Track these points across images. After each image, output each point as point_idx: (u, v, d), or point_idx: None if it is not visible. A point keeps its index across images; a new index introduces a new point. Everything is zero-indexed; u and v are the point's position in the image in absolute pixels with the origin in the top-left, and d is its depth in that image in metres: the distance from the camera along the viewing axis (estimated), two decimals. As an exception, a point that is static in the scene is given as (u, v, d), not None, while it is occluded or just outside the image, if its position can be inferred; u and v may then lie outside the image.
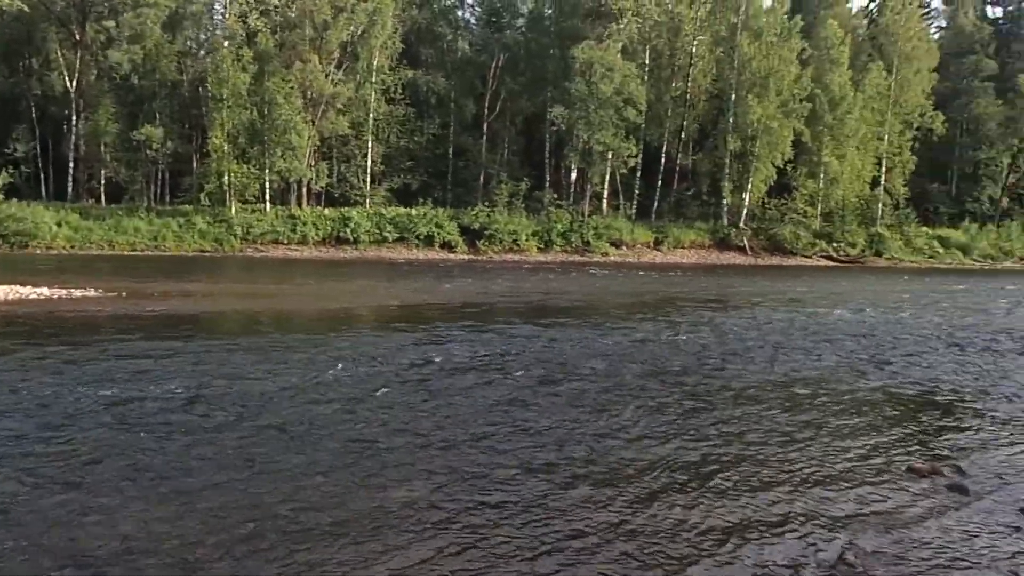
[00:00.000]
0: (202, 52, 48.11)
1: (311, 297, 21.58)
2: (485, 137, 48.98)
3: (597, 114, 43.59)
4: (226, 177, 39.00)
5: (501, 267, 35.30)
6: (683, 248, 46.69)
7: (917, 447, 7.61)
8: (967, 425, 8.61)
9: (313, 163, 42.52)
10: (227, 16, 43.19)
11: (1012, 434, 8.23)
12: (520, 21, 52.56)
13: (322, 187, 43.31)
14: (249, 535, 5.00)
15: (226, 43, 40.38)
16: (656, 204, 49.32)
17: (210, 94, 40.00)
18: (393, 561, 4.73)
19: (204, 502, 5.49)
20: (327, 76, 41.61)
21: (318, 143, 42.56)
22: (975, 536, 5.38)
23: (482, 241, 41.77)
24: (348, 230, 39.81)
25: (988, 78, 60.25)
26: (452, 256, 40.35)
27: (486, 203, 44.47)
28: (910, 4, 56.48)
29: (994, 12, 67.35)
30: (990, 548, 5.19)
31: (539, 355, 11.95)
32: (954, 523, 5.60)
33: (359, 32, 42.65)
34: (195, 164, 44.55)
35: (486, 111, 48.83)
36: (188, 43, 48.44)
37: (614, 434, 7.62)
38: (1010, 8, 66.71)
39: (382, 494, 5.78)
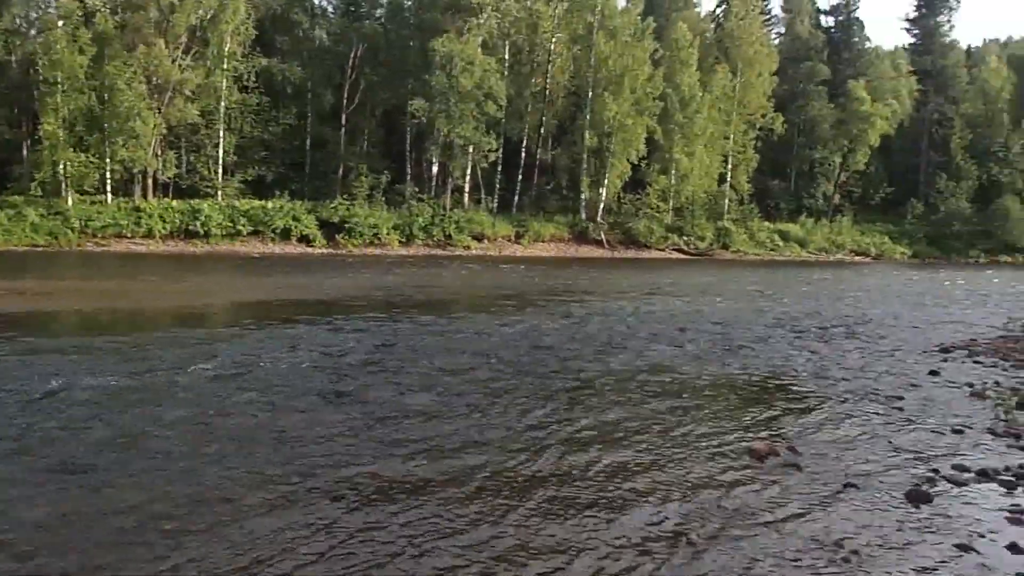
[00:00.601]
0: (32, 31, 44.67)
1: (156, 294, 20.56)
2: (344, 128, 48.02)
3: (458, 108, 43.61)
4: (61, 166, 36.49)
5: (362, 261, 34.77)
6: (543, 242, 47.44)
7: (756, 429, 8.05)
8: (801, 406, 9.19)
9: (160, 152, 40.42)
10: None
11: (840, 413, 8.84)
12: (379, 11, 51.82)
13: (169, 178, 41.22)
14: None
15: (60, 23, 37.67)
16: (517, 198, 49.90)
17: (41, 77, 37.24)
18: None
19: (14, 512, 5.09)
20: (174, 61, 39.69)
21: (165, 131, 40.46)
22: (807, 511, 5.73)
23: (342, 235, 40.98)
24: (198, 223, 38.07)
25: (822, 83, 64.40)
26: (310, 250, 39.38)
27: (345, 196, 43.66)
28: (752, 11, 59.61)
29: (827, 21, 71.98)
30: (820, 521, 5.55)
31: (394, 350, 11.87)
32: (788, 499, 5.95)
33: (209, 16, 40.88)
34: (25, 152, 41.32)
35: (345, 102, 47.88)
36: (17, 21, 44.84)
37: (467, 424, 7.67)
38: (841, 18, 71.39)
39: (225, 502, 5.54)
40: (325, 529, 5.07)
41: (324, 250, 39.71)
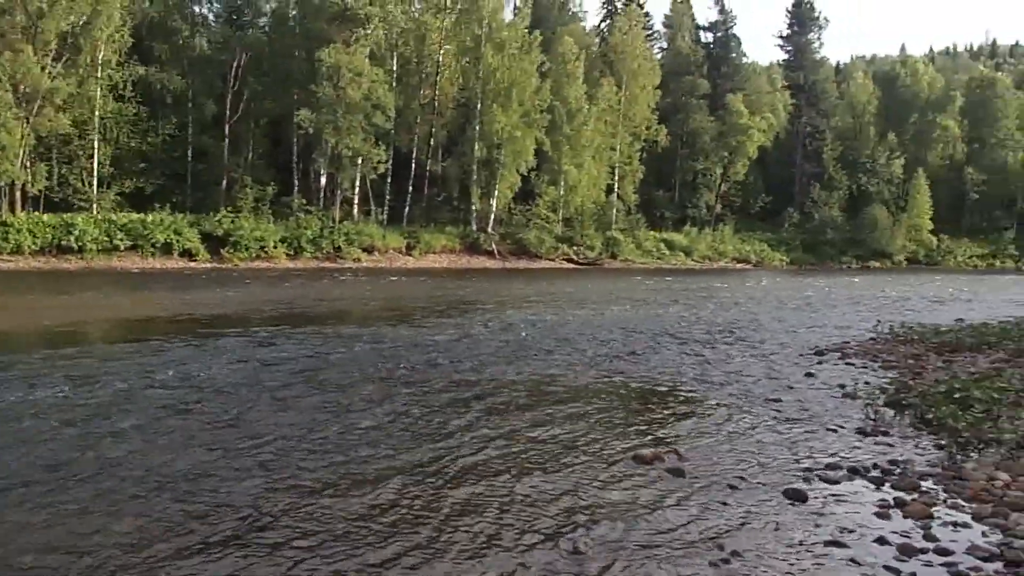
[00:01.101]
0: None
1: (24, 312, 19.40)
2: (227, 139, 46.65)
3: (345, 119, 43.07)
4: (-82, 179, 34.14)
5: (247, 275, 33.86)
6: (434, 253, 47.31)
7: (642, 435, 8.23)
8: (686, 411, 9.48)
9: (28, 164, 38.28)
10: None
11: (722, 417, 9.15)
12: (263, 20, 50.66)
13: (39, 191, 39.06)
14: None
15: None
16: (407, 209, 49.62)
17: None
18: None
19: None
20: (43, 69, 37.64)
21: (34, 142, 38.33)
22: (690, 514, 5.89)
23: (226, 248, 39.75)
24: (72, 238, 36.14)
25: (703, 96, 66.79)
26: (193, 265, 38.04)
27: (230, 208, 42.38)
28: (635, 26, 61.29)
29: (706, 37, 74.67)
30: (702, 524, 5.71)
31: (279, 366, 11.58)
32: (673, 504, 6.10)
33: (81, 22, 38.99)
34: None
35: (228, 112, 46.51)
36: None
37: (356, 438, 7.57)
38: (719, 34, 74.24)
39: (93, 532, 5.30)
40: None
41: (208, 264, 38.43)
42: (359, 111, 43.48)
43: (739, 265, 60.21)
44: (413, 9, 51.18)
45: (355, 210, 47.58)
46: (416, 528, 5.44)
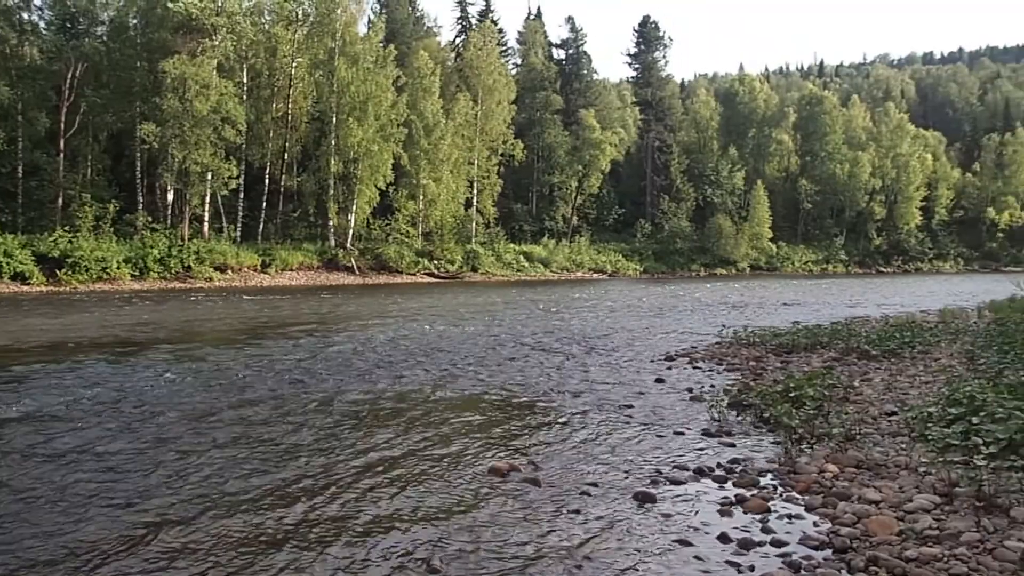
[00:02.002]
0: None
1: None
2: (63, 154, 43.90)
3: (193, 133, 41.45)
4: None
5: (88, 299, 31.94)
6: (292, 270, 46.15)
7: (499, 447, 8.38)
8: (542, 421, 9.71)
9: None
10: None
11: (577, 425, 9.45)
12: (101, 29, 48.05)
13: None
14: None
15: None
16: (262, 226, 48.21)
17: None
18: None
19: None
20: None
21: None
22: (545, 523, 6.05)
23: (64, 270, 37.30)
24: None
25: (557, 112, 68.45)
26: (26, 288, 35.50)
27: (67, 228, 39.85)
28: (490, 42, 62.11)
29: (559, 54, 76.61)
30: (556, 532, 5.88)
31: (116, 395, 11.01)
32: (528, 514, 6.25)
33: None
34: None
35: (63, 125, 43.80)
36: None
37: (200, 466, 7.35)
38: (570, 51, 76.34)
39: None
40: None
41: (43, 288, 35.97)
42: (207, 124, 41.93)
43: (595, 275, 61.88)
44: (263, 20, 49.92)
45: (206, 227, 45.78)
46: (268, 553, 5.33)
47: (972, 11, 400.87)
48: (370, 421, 9.52)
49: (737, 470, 7.50)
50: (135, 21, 46.76)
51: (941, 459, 7.04)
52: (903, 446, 8.02)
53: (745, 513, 6.32)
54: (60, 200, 42.28)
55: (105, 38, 47.16)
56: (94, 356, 14.97)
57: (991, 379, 10.60)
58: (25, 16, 45.91)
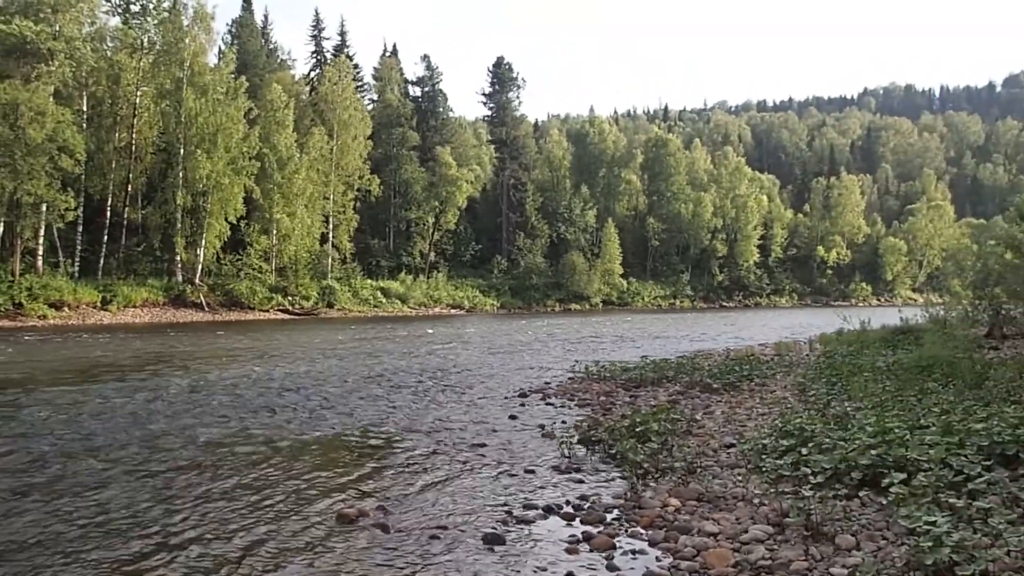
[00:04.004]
0: None
1: None
2: None
3: (26, 161, 38.94)
4: None
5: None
6: (135, 307, 43.87)
7: (348, 491, 8.24)
8: (393, 463, 9.62)
9: None
10: None
11: (429, 466, 9.43)
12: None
13: None
14: None
15: None
16: (103, 261, 45.69)
17: None
18: None
19: None
20: None
21: None
22: (393, 570, 6.00)
23: None
24: None
25: (413, 148, 68.72)
26: None
27: None
28: (345, 77, 61.79)
29: (415, 91, 77.05)
30: (405, 577, 5.81)
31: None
32: (374, 563, 6.16)
33: None
34: None
35: None
36: None
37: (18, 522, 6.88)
38: (426, 89, 76.96)
39: None
40: None
41: None
42: (42, 153, 39.48)
43: (453, 311, 62.12)
44: (105, 47, 47.72)
45: (39, 262, 42.89)
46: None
47: (800, 63, 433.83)
48: (205, 468, 9.08)
49: (585, 507, 7.70)
50: (-39, 42, 43.67)
51: (774, 490, 7.49)
52: (740, 477, 8.45)
53: (591, 551, 6.49)
54: None
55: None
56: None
57: (819, 410, 11.40)
58: None
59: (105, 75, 46.46)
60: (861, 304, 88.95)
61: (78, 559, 6.10)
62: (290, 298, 51.79)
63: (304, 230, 53.99)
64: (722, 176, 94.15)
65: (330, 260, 57.42)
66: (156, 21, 49.22)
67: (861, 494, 7.17)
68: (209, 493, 8.08)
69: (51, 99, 40.86)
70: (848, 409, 10.88)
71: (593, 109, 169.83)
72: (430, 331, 37.43)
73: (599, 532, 6.91)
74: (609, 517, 7.35)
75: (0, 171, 38.68)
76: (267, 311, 49.42)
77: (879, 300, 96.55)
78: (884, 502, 6.83)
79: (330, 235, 58.27)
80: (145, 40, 48.85)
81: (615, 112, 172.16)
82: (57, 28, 41.83)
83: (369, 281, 59.92)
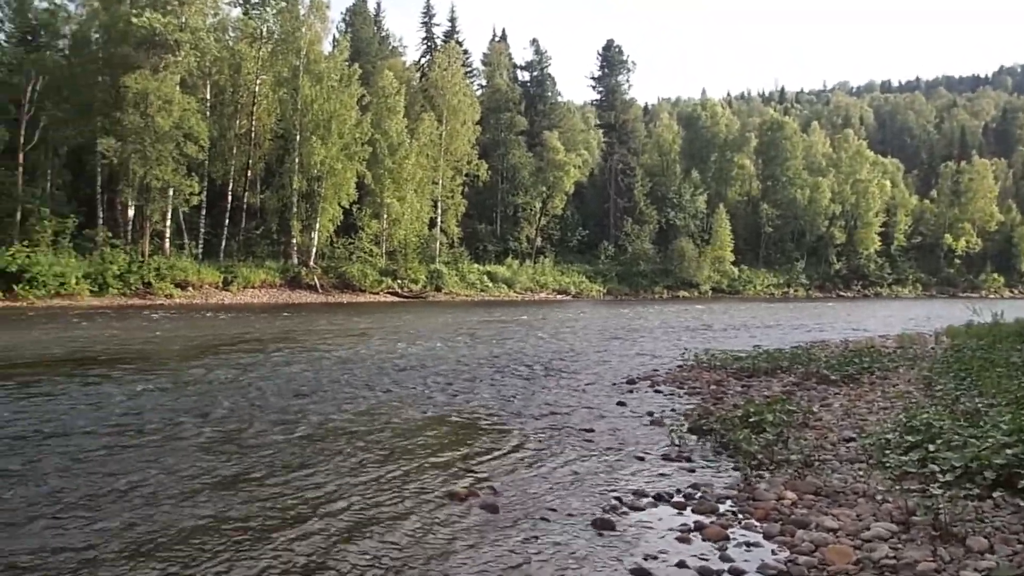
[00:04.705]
0: None
1: None
2: (22, 168, 43.20)
3: (155, 148, 41.01)
4: None
5: (45, 315, 31.30)
6: (254, 288, 45.72)
7: (458, 471, 8.30)
8: (502, 445, 9.60)
9: None
10: None
11: (537, 449, 9.38)
12: (62, 43, 47.50)
13: None
14: None
15: None
16: (224, 243, 47.78)
17: None
18: None
19: None
20: None
21: None
22: (502, 550, 5.98)
23: (21, 285, 36.57)
24: None
25: (520, 133, 68.84)
26: (-20, 304, 34.78)
27: (25, 242, 39.14)
28: (454, 63, 62.35)
29: (523, 76, 77.13)
30: (513, 559, 5.81)
31: (79, 417, 10.76)
32: (485, 541, 6.17)
33: None
34: None
35: (22, 139, 43.13)
36: None
37: (161, 490, 7.18)
38: (535, 74, 76.90)
39: None
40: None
41: (-2, 303, 35.26)
42: (169, 140, 41.54)
43: (559, 296, 62.08)
44: (227, 37, 49.69)
45: (167, 244, 45.22)
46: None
47: (928, 42, 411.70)
48: (324, 444, 9.36)
49: (696, 496, 7.50)
50: (97, 35, 46.39)
51: (898, 487, 7.11)
52: (861, 473, 8.07)
53: (704, 540, 6.31)
54: (19, 214, 41.52)
55: (67, 52, 46.65)
56: (42, 374, 14.64)
57: (948, 406, 10.76)
58: (-16, 29, 45.26)
59: (227, 64, 48.42)
60: (992, 296, 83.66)
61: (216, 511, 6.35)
62: (399, 281, 52.83)
63: (413, 214, 54.98)
64: (842, 160, 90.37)
65: (438, 244, 58.30)
66: (274, 11, 50.82)
67: (995, 495, 6.71)
68: (327, 465, 8.29)
69: (177, 88, 42.85)
70: (980, 405, 10.23)
71: (705, 92, 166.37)
72: (536, 316, 37.48)
73: (711, 522, 6.71)
74: (722, 508, 7.13)
75: (132, 157, 40.86)
76: (377, 293, 50.60)
77: (1012, 292, 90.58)
78: (1021, 504, 6.37)
79: (438, 220, 59.10)
80: (264, 30, 50.56)
81: (728, 95, 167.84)
82: (183, 20, 43.76)
83: (476, 265, 60.52)
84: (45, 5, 47.08)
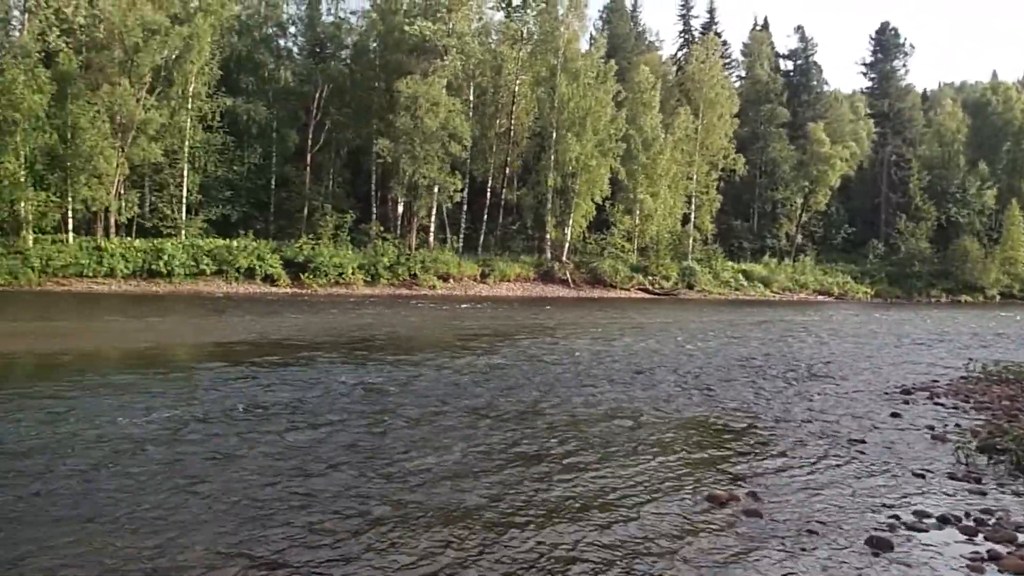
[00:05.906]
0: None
1: (118, 334, 20.03)
2: (309, 168, 47.94)
3: (423, 148, 43.71)
4: (20, 205, 35.82)
5: (326, 301, 34.44)
6: (509, 281, 47.38)
7: (717, 473, 7.96)
8: (763, 450, 9.11)
9: (123, 191, 39.87)
10: (24, 32, 39.87)
11: (801, 456, 8.78)
12: (345, 53, 52.05)
13: (129, 218, 40.52)
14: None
15: (18, 62, 36.82)
16: (482, 237, 49.99)
17: (0, 117, 36.28)
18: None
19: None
20: (138, 101, 39.28)
21: (127, 171, 39.93)
22: (765, 558, 5.64)
23: (306, 274, 40.60)
24: (161, 262, 37.41)
25: (782, 125, 65.70)
26: (275, 290, 38.93)
27: (310, 235, 43.37)
28: (713, 55, 60.76)
29: (786, 65, 73.58)
30: (777, 569, 5.46)
31: (363, 393, 11.68)
32: (747, 546, 5.86)
33: (174, 56, 40.62)
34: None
35: (310, 142, 47.86)
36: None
37: (439, 471, 7.48)
38: (799, 62, 73.09)
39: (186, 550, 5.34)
40: None
41: (288, 290, 39.29)
42: (436, 140, 44.11)
43: (820, 297, 58.58)
44: (490, 40, 51.87)
45: (431, 238, 48.15)
46: (514, 565, 5.34)
47: None
48: (580, 437, 9.38)
49: (990, 522, 6.63)
50: (375, 44, 50.19)
51: None
52: None
53: (1000, 572, 5.56)
54: (306, 210, 46.10)
55: (348, 61, 50.99)
56: (333, 354, 16.01)
57: None
58: (281, 43, 50.56)
59: (489, 66, 50.54)
60: None
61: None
62: (650, 278, 52.41)
63: (666, 211, 54.34)
64: None
65: (691, 241, 57.18)
66: (535, 12, 52.23)
67: None
68: (579, 458, 8.31)
69: (444, 91, 45.34)
70: None
71: (996, 74, 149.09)
72: (796, 317, 35.60)
73: (1009, 553, 5.89)
74: (1021, 538, 6.24)
75: (402, 157, 43.85)
76: (628, 290, 50.52)
77: None
78: None
79: (692, 216, 57.93)
80: (524, 31, 52.14)
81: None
82: (451, 26, 46.25)
83: (731, 263, 58.63)
84: (331, 19, 51.84)
